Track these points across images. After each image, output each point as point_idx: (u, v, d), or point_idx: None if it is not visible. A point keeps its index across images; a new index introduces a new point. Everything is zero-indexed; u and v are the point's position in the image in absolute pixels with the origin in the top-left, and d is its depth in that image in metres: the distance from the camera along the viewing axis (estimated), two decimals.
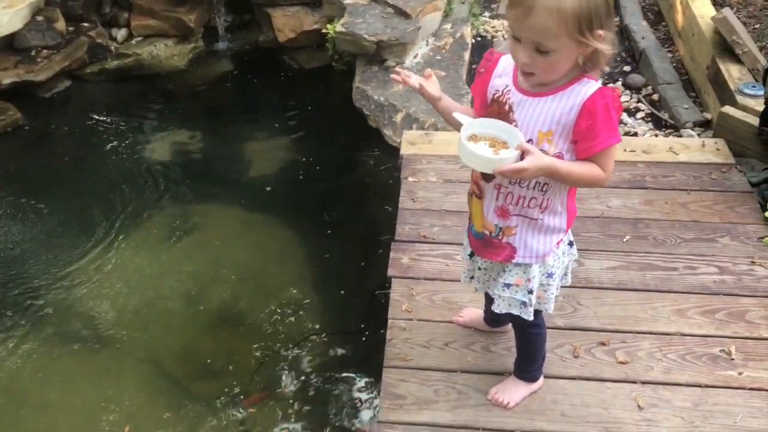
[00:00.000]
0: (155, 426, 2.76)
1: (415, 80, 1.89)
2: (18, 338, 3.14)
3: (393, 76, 1.91)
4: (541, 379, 2.28)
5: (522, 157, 1.63)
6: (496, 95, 1.77)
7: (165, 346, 3.12)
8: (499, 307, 1.98)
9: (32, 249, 3.59)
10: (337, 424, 2.75)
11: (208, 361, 3.04)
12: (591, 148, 1.66)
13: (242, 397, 2.87)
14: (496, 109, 1.76)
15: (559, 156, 1.69)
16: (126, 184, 4.02)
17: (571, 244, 1.98)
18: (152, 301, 3.32)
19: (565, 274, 2.04)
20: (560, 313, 2.50)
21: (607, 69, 1.70)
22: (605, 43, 1.57)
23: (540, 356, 2.21)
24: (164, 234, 3.71)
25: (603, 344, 2.43)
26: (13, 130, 4.39)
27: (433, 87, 1.89)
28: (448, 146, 3.38)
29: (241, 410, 2.82)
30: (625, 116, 3.95)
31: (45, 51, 4.64)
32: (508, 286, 1.94)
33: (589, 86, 1.64)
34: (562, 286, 2.05)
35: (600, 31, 1.55)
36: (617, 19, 4.76)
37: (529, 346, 2.18)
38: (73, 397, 2.91)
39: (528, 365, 2.23)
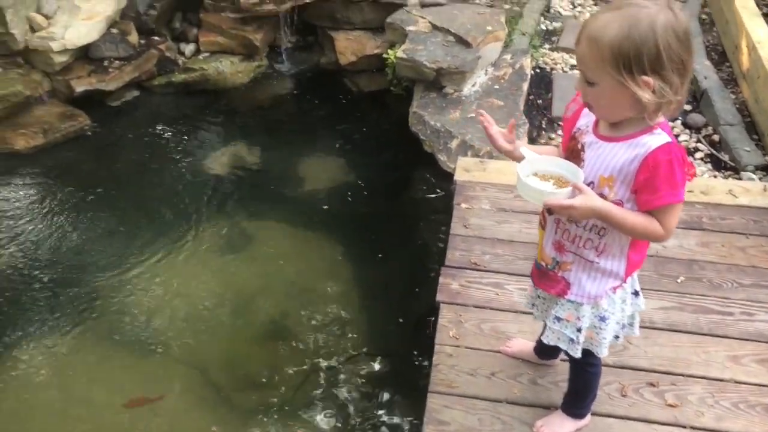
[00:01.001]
0: None
1: (495, 131, 1.88)
2: (72, 336, 3.23)
3: (480, 118, 1.91)
4: (588, 417, 2.25)
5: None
6: (577, 133, 1.78)
7: (211, 355, 3.17)
8: (548, 338, 1.99)
9: (92, 251, 3.70)
10: None
11: (253, 372, 3.08)
12: (650, 201, 1.64)
13: (286, 407, 2.88)
14: (573, 145, 1.78)
15: (618, 203, 1.68)
16: (184, 193, 4.13)
17: (636, 294, 1.94)
18: (202, 309, 3.38)
19: (631, 325, 1.98)
20: (610, 350, 2.44)
21: (661, 119, 1.62)
22: (647, 92, 1.51)
23: (591, 394, 2.18)
24: (217, 245, 3.79)
25: (652, 385, 2.37)
26: (82, 136, 4.56)
27: (504, 141, 1.88)
28: (503, 175, 3.37)
29: (282, 425, 2.84)
30: None
31: (117, 62, 4.82)
32: (558, 319, 1.94)
33: (657, 139, 1.60)
34: (627, 336, 2.00)
35: (646, 78, 1.51)
36: None
37: (582, 383, 2.15)
38: (119, 397, 2.96)
39: (578, 401, 2.19)
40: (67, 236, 3.80)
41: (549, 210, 1.79)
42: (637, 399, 2.34)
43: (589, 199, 1.63)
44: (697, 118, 4.20)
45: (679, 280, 2.82)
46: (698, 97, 4.41)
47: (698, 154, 3.94)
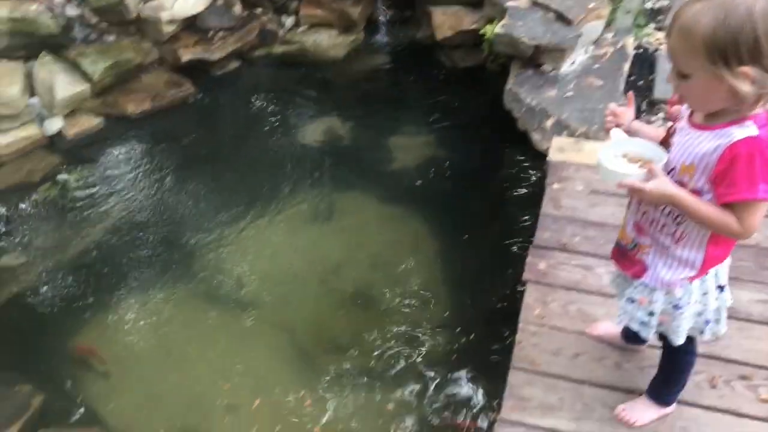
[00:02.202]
0: (282, 392, 2.94)
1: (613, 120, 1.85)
2: (170, 292, 3.44)
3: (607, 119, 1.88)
4: (674, 405, 2.21)
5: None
6: (677, 115, 1.76)
7: (299, 319, 3.30)
8: (620, 318, 1.99)
9: (190, 214, 3.91)
10: (445, 414, 2.79)
11: (337, 338, 3.19)
12: (726, 195, 1.58)
13: (367, 375, 2.97)
14: (669, 129, 1.76)
15: (696, 193, 1.64)
16: (278, 163, 4.27)
17: (721, 288, 1.87)
18: (291, 275, 3.52)
19: (717, 321, 1.92)
20: (701, 341, 2.39)
21: (759, 111, 1.55)
22: (746, 83, 1.45)
23: (681, 382, 2.15)
24: (307, 214, 3.91)
25: (745, 378, 2.31)
26: (186, 103, 4.77)
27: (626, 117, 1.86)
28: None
29: (363, 391, 2.93)
30: None
31: (221, 32, 5.00)
32: (631, 300, 1.93)
33: (743, 131, 1.54)
34: (715, 333, 1.95)
35: (744, 68, 1.44)
36: None
37: (673, 370, 2.12)
38: (212, 354, 3.15)
39: (666, 388, 2.17)
40: (168, 199, 4.02)
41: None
42: (728, 391, 2.28)
43: (660, 185, 1.60)
44: None
45: None
46: None
47: None
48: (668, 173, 1.67)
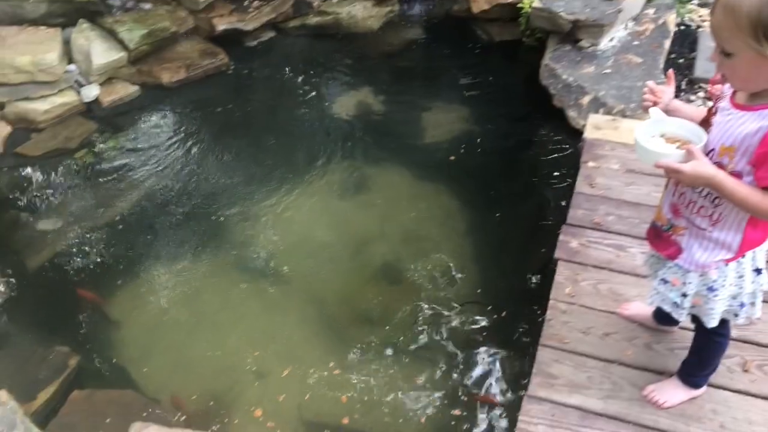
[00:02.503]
0: (311, 362, 2.98)
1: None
2: (202, 261, 3.49)
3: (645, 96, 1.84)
4: (704, 388, 2.20)
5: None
6: (719, 95, 1.72)
7: (329, 291, 3.33)
8: (651, 299, 1.98)
9: (223, 184, 3.95)
10: (474, 390, 2.80)
11: (366, 311, 3.21)
12: (767, 178, 1.56)
13: (395, 348, 3.00)
14: (710, 108, 1.73)
15: (736, 175, 1.61)
16: (311, 135, 4.29)
17: (758, 272, 1.84)
18: (321, 247, 3.54)
19: (753, 304, 1.90)
20: (734, 324, 2.36)
21: None
22: None
23: (713, 365, 2.13)
24: (338, 187, 3.93)
25: None
26: (220, 73, 4.80)
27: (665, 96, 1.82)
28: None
29: (390, 364, 2.95)
30: None
31: (256, 2, 5.00)
32: (665, 281, 1.92)
33: None
34: (749, 317, 1.93)
35: None
36: None
37: (705, 352, 2.11)
38: (243, 322, 3.19)
39: (697, 370, 2.16)
40: (200, 168, 4.06)
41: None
42: (761, 376, 2.26)
43: (698, 166, 1.58)
44: None
45: None
46: None
47: None
48: (707, 154, 1.64)
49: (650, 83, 1.84)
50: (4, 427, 2.25)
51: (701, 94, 3.94)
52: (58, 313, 3.25)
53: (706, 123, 1.70)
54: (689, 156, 1.59)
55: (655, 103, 1.79)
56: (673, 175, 1.66)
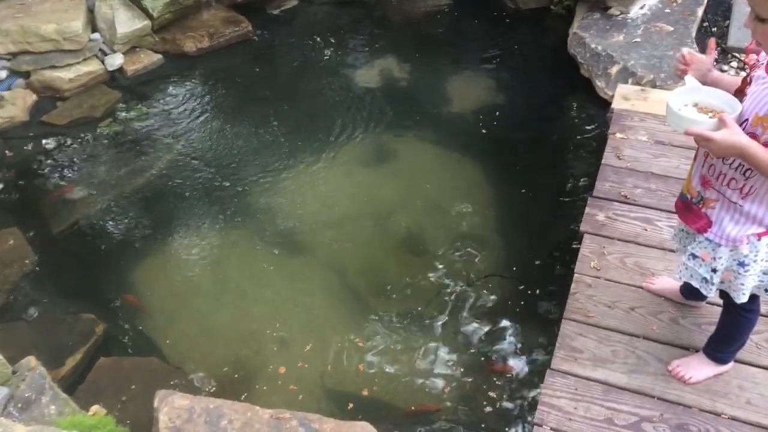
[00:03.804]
0: (333, 331, 3.00)
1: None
2: (225, 229, 3.50)
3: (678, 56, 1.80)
4: (731, 364, 2.17)
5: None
6: (754, 63, 1.67)
7: (352, 261, 3.33)
8: (680, 273, 1.95)
9: (246, 152, 3.95)
10: (496, 363, 2.80)
11: (387, 281, 3.21)
12: None
13: (416, 319, 3.00)
14: (744, 77, 1.68)
15: None
16: (334, 104, 4.26)
17: None
18: (343, 217, 3.54)
19: None
20: (764, 299, 2.33)
21: None
22: None
23: (740, 341, 2.11)
24: (361, 156, 3.91)
25: None
26: (243, 41, 4.77)
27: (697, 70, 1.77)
28: (665, 106, 3.18)
29: (412, 335, 2.96)
30: None
31: None
32: (694, 256, 1.89)
33: None
34: None
35: None
36: None
37: (733, 327, 2.08)
38: (267, 291, 3.21)
39: (724, 346, 2.13)
40: (224, 137, 4.06)
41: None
42: None
43: (730, 135, 1.53)
44: None
45: None
46: None
47: None
48: (740, 125, 1.60)
49: (685, 50, 1.79)
50: (33, 392, 2.30)
51: (734, 63, 3.84)
52: (84, 282, 3.30)
53: (740, 93, 1.66)
54: (721, 124, 1.55)
55: (685, 72, 1.74)
56: (703, 144, 1.62)
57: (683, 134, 1.61)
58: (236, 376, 2.85)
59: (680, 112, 1.62)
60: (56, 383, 2.45)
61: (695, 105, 1.67)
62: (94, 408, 2.41)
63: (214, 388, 2.79)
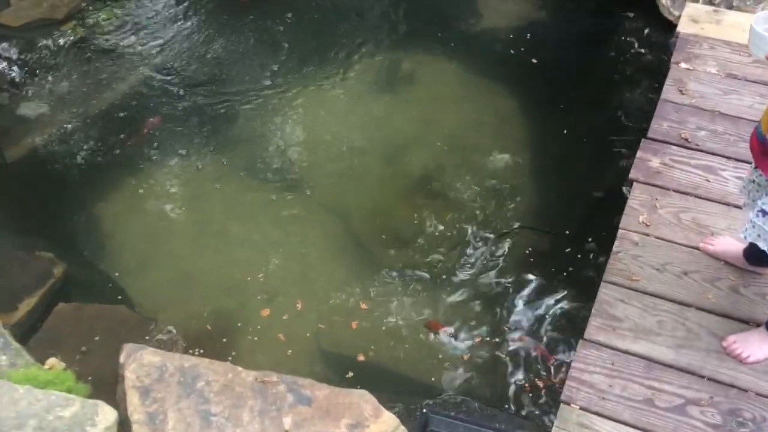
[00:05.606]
0: (330, 285, 3.03)
1: None
2: (211, 162, 3.51)
3: None
4: None
5: None
6: None
7: (355, 203, 3.34)
8: (745, 233, 1.95)
9: (238, 69, 3.93)
10: (518, 331, 2.82)
11: (398, 229, 3.23)
12: None
13: (430, 275, 3.01)
14: None
15: None
16: (341, 12, 4.22)
17: None
18: (348, 151, 3.54)
19: None
20: None
21: None
22: None
23: None
24: (372, 80, 3.88)
25: None
26: None
27: None
28: (742, 32, 3.12)
29: (420, 289, 2.98)
30: None
31: None
32: (765, 213, 1.88)
33: None
34: None
35: None
36: None
37: None
38: (255, 234, 3.24)
39: None
40: (209, 49, 4.03)
41: None
42: None
43: None
44: None
45: None
46: None
47: None
48: None
49: None
50: None
51: None
52: (41, 214, 3.32)
53: None
54: None
55: None
56: None
57: (765, 59, 1.61)
58: (216, 331, 2.89)
59: (767, 33, 1.61)
60: (7, 330, 2.48)
61: None
62: (51, 361, 2.45)
63: (190, 345, 2.83)
